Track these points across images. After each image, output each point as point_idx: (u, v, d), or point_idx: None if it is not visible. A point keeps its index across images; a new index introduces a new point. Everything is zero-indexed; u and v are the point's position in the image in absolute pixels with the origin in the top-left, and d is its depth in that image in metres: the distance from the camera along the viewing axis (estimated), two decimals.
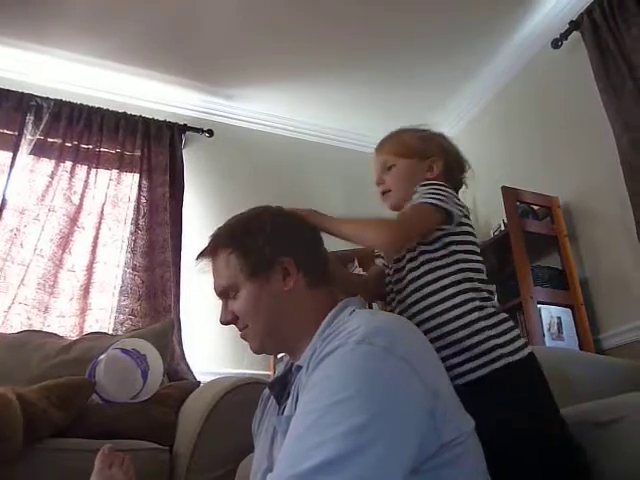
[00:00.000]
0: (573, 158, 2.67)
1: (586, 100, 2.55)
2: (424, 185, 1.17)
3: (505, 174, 2.96)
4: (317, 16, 2.86)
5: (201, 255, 1.10)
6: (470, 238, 1.16)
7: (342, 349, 0.81)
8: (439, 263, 1.11)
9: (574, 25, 2.64)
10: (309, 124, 3.65)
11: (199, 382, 2.14)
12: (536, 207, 2.70)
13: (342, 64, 3.19)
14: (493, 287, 1.15)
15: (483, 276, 1.14)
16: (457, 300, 1.07)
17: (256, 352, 1.04)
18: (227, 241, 1.04)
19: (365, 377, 0.77)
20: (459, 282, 1.09)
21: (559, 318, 2.41)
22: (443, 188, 1.14)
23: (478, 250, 1.17)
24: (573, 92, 2.72)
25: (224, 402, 1.55)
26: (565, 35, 2.70)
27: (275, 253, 1.00)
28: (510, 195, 2.62)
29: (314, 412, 0.75)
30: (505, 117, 3.22)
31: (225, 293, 1.03)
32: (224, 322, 1.04)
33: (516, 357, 1.04)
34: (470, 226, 1.18)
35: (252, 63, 3.16)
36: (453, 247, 1.12)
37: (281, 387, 1.02)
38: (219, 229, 1.09)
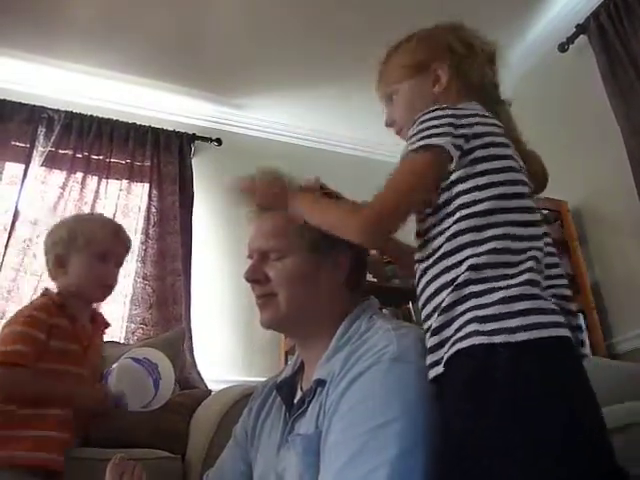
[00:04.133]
0: (581, 162, 2.66)
1: (594, 103, 2.54)
2: (415, 122, 0.90)
3: None
4: (326, 26, 2.87)
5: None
6: (496, 164, 0.84)
7: (376, 368, 0.79)
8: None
9: (581, 29, 2.64)
10: (318, 132, 3.66)
11: (210, 390, 2.15)
12: (545, 211, 2.68)
13: (351, 73, 3.20)
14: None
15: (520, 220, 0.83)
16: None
17: (267, 325, 0.99)
18: None
19: (409, 397, 0.76)
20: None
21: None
22: (432, 116, 0.87)
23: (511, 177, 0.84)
24: (580, 96, 2.71)
25: (235, 410, 1.55)
26: (572, 39, 2.69)
27: (340, 241, 0.94)
28: None
29: (359, 437, 0.74)
30: None
31: (265, 253, 0.98)
32: (250, 280, 0.99)
33: (467, 342, 0.74)
34: (497, 144, 0.86)
35: (260, 72, 3.18)
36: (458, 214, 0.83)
37: (289, 390, 1.01)
38: None
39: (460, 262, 0.79)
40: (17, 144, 2.92)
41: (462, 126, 0.85)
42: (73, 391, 1.32)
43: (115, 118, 3.15)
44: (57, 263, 1.39)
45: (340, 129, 3.66)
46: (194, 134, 3.33)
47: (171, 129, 3.27)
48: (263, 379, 1.19)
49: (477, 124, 0.87)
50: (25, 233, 2.72)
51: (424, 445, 0.73)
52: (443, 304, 0.79)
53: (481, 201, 0.81)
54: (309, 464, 0.81)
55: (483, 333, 0.73)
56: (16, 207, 2.77)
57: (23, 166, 2.87)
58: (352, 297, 1.00)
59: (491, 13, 2.80)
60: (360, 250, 1.01)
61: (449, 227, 0.83)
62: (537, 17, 2.88)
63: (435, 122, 0.86)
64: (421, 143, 0.85)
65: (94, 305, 1.52)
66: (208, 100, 3.38)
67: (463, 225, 0.81)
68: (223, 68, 3.16)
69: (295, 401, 0.97)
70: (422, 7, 2.77)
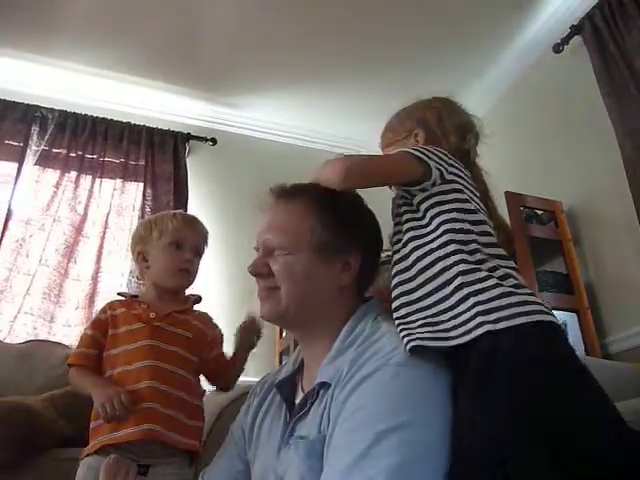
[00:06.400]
0: (576, 162, 2.67)
1: (589, 104, 2.54)
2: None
3: (508, 179, 2.95)
4: (320, 25, 2.87)
5: (275, 191, 1.04)
6: (461, 196, 1.00)
7: (383, 371, 0.78)
8: (426, 239, 0.97)
9: (575, 29, 2.64)
10: (312, 131, 3.65)
11: (204, 390, 2.14)
12: (540, 212, 2.69)
13: (345, 72, 3.20)
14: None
15: (483, 230, 0.98)
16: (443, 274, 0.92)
17: (266, 318, 0.99)
18: (311, 200, 0.98)
19: (416, 401, 0.75)
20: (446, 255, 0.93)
21: (564, 323, 2.40)
22: (430, 147, 1.05)
23: (474, 207, 1.01)
24: (576, 96, 2.72)
25: (230, 410, 1.55)
26: (566, 39, 2.70)
27: (351, 243, 0.95)
28: (514, 200, 2.61)
29: (362, 441, 0.72)
30: (508, 122, 3.22)
31: (270, 249, 0.97)
32: (254, 274, 0.99)
33: (500, 325, 0.81)
34: (464, 182, 1.04)
35: (255, 71, 3.18)
36: (440, 218, 0.97)
37: (289, 389, 1.00)
38: (300, 185, 1.05)
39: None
40: (10, 143, 2.91)
41: (443, 162, 1.02)
42: (83, 384, 1.31)
43: (109, 117, 3.14)
44: (140, 259, 1.47)
45: (335, 128, 3.66)
46: (189, 133, 3.32)
47: (166, 128, 3.26)
48: (257, 379, 1.18)
49: (445, 164, 1.03)
50: (18, 232, 2.71)
51: (432, 457, 0.71)
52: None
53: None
54: (311, 467, 0.80)
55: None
56: (9, 206, 2.75)
57: (16, 165, 2.85)
58: (358, 299, 0.99)
59: (486, 14, 2.81)
60: (371, 253, 1.00)
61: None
62: (532, 18, 2.88)
63: (429, 149, 1.03)
64: (411, 151, 1.01)
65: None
66: (203, 99, 3.37)
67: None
68: (218, 67, 3.15)
69: (296, 401, 0.96)
70: (413, 12, 2.77)
